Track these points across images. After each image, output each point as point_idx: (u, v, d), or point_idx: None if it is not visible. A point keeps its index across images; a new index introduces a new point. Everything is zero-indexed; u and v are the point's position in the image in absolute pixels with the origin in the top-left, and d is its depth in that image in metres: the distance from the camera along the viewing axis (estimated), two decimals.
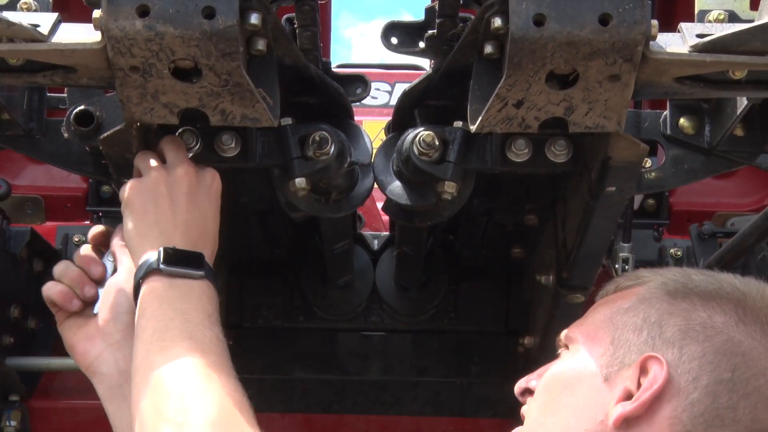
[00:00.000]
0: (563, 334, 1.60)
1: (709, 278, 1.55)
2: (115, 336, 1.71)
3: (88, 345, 1.71)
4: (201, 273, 1.58)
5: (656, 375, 1.40)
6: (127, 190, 1.65)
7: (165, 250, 1.57)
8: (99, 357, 1.71)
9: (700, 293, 1.51)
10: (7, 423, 2.83)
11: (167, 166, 1.66)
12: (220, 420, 1.37)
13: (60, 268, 1.76)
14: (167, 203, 1.62)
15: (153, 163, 1.66)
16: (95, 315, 1.74)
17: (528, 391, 1.61)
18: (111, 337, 1.71)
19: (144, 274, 1.57)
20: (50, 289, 1.74)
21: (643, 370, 1.42)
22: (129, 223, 1.64)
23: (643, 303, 1.51)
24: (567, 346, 1.58)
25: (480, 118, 1.48)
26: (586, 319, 1.59)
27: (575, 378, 1.50)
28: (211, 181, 1.69)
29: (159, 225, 1.61)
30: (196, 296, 1.55)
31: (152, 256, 1.57)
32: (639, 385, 1.41)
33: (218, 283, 1.62)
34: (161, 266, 1.56)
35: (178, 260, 1.57)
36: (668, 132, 2.00)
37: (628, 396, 1.42)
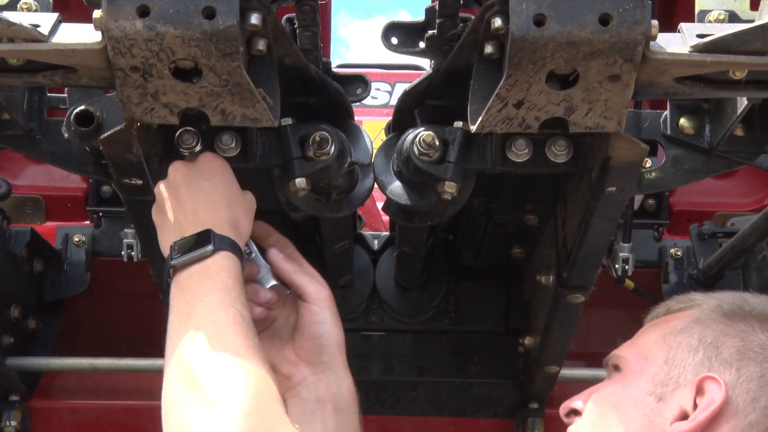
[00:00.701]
0: (612, 355, 1.60)
1: (766, 301, 1.55)
2: (320, 365, 1.74)
3: (293, 369, 1.73)
4: (210, 248, 1.55)
5: (714, 395, 1.40)
6: (153, 215, 1.70)
7: (171, 246, 1.58)
8: (303, 382, 1.72)
9: (757, 315, 1.51)
10: (7, 423, 2.84)
11: (168, 173, 1.69)
12: (251, 409, 1.34)
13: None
14: (172, 203, 1.64)
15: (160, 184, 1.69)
16: (289, 336, 1.77)
17: (574, 412, 1.60)
18: (317, 367, 1.74)
19: (167, 275, 1.59)
20: None
21: (699, 391, 1.42)
22: (159, 237, 1.67)
23: (698, 324, 1.51)
24: (616, 367, 1.58)
25: (480, 118, 1.48)
26: (635, 340, 1.59)
27: (628, 398, 1.49)
28: (204, 163, 1.68)
29: (172, 226, 1.63)
30: (214, 273, 1.53)
31: (167, 255, 1.59)
32: (695, 405, 1.41)
33: (237, 247, 1.59)
34: (172, 262, 1.57)
35: (186, 248, 1.57)
36: (668, 132, 2.00)
37: (684, 416, 1.42)
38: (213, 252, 1.55)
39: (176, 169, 1.68)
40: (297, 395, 1.69)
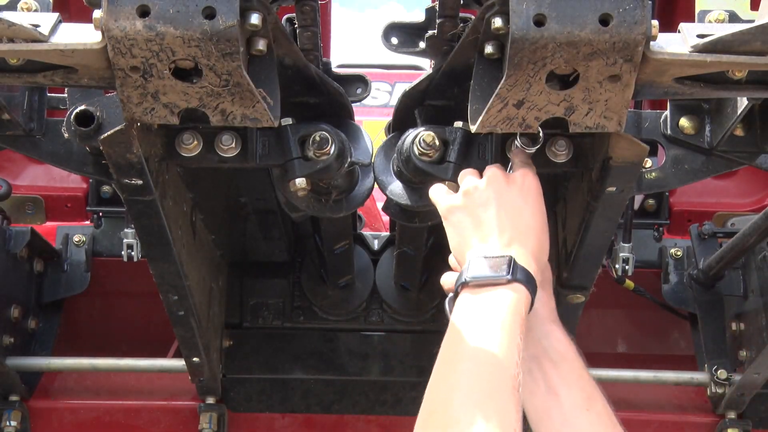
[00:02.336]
0: None
1: None
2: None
3: None
4: (507, 277, 1.50)
5: None
6: (443, 208, 1.66)
7: (472, 260, 1.54)
8: None
9: None
10: (7, 423, 2.84)
11: (475, 182, 1.66)
12: None
13: None
14: (479, 212, 1.60)
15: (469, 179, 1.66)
16: None
17: None
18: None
19: (457, 287, 1.54)
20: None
21: None
22: (451, 241, 1.64)
23: None
24: None
25: (480, 118, 1.48)
26: None
27: None
28: (522, 179, 1.64)
29: (473, 235, 1.59)
30: (499, 304, 1.48)
31: (464, 267, 1.55)
32: None
33: (531, 281, 1.53)
34: (466, 278, 1.52)
35: (483, 268, 1.52)
36: (668, 132, 2.00)
37: None
38: (508, 282, 1.50)
39: (495, 175, 1.63)
40: None
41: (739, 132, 1.94)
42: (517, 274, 1.51)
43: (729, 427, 2.87)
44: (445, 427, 1.35)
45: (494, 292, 1.49)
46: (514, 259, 1.52)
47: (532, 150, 1.68)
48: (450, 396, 1.38)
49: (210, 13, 1.36)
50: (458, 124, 1.75)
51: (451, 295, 1.58)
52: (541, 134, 1.66)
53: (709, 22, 1.64)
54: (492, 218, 1.59)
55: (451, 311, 1.55)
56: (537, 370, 1.62)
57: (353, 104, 1.94)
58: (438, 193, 1.70)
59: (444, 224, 1.67)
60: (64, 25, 1.45)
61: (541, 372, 1.63)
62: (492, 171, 1.65)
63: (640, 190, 2.02)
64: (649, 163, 1.97)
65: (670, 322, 3.20)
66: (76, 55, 1.42)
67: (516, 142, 1.69)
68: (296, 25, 1.84)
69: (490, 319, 1.47)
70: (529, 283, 1.52)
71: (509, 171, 1.68)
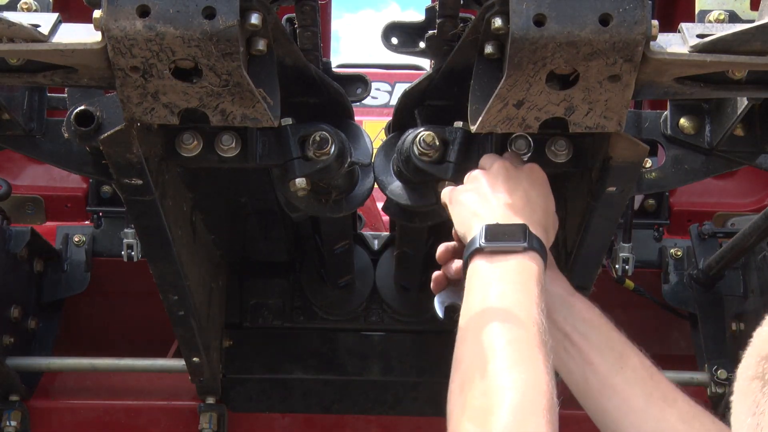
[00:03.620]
0: None
1: None
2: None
3: None
4: (524, 245, 1.50)
5: None
6: (450, 192, 1.67)
7: (486, 227, 1.52)
8: None
9: None
10: (7, 423, 2.84)
11: (486, 164, 1.68)
12: (509, 425, 1.30)
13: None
14: (487, 190, 1.61)
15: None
16: None
17: None
18: None
19: (470, 253, 1.53)
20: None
21: None
22: (456, 216, 1.64)
23: None
24: None
25: (480, 118, 1.48)
26: None
27: None
28: (530, 170, 1.66)
29: (481, 208, 1.59)
30: (518, 271, 1.48)
31: (476, 234, 1.53)
32: None
33: (545, 252, 1.54)
34: (482, 243, 1.51)
35: (499, 235, 1.51)
36: (668, 132, 2.00)
37: None
38: (524, 249, 1.50)
39: (500, 164, 1.65)
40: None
41: (739, 132, 1.94)
42: (533, 242, 1.51)
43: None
44: (485, 394, 1.34)
45: (513, 261, 1.49)
46: (528, 228, 1.52)
47: (526, 156, 1.69)
48: (484, 363, 1.37)
49: (210, 13, 1.36)
50: (458, 124, 1.75)
51: (457, 262, 1.57)
52: (532, 142, 1.68)
53: (709, 22, 1.64)
54: (500, 193, 1.60)
55: (463, 277, 1.54)
56: (570, 346, 1.63)
57: (353, 104, 1.94)
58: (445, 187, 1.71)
59: (449, 208, 1.67)
60: (64, 25, 1.45)
61: (574, 347, 1.64)
62: (500, 160, 1.66)
63: (640, 190, 2.02)
64: (649, 163, 1.97)
65: (670, 322, 3.20)
66: (76, 55, 1.42)
67: (510, 149, 1.70)
68: (296, 25, 1.84)
69: (514, 287, 1.46)
70: (543, 253, 1.52)
71: None
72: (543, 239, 1.55)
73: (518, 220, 1.54)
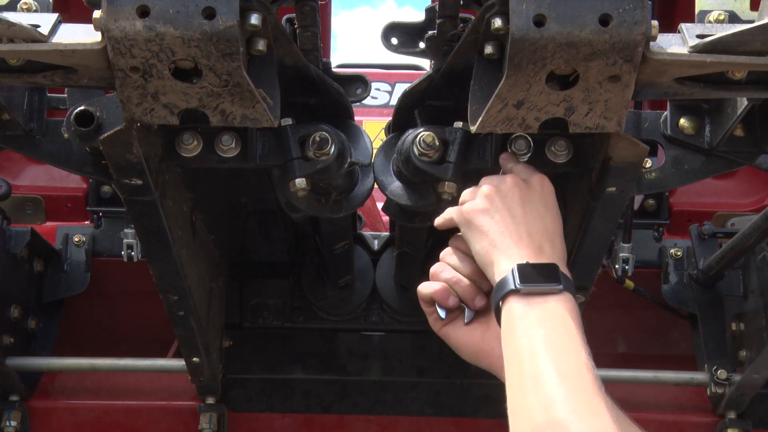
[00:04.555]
0: None
1: None
2: None
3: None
4: (559, 287, 1.50)
5: None
6: (462, 212, 1.64)
7: (519, 267, 1.51)
8: None
9: None
10: (7, 423, 2.84)
11: (495, 182, 1.65)
12: None
13: (442, 271, 1.69)
14: (504, 215, 1.59)
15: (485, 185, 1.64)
16: (490, 318, 1.65)
17: None
18: None
19: (504, 294, 1.51)
20: (429, 287, 1.69)
21: None
22: (474, 243, 1.61)
23: None
24: None
25: (480, 119, 1.48)
26: None
27: None
28: (540, 185, 1.64)
29: (501, 239, 1.57)
30: (558, 314, 1.48)
31: (507, 274, 1.52)
32: None
33: (573, 290, 1.52)
34: (518, 286, 1.49)
35: (533, 276, 1.50)
36: (668, 132, 2.00)
37: None
38: (560, 291, 1.50)
39: (512, 182, 1.62)
40: None
41: (739, 132, 1.94)
42: (567, 283, 1.51)
43: (729, 427, 2.87)
44: None
45: (552, 303, 1.48)
46: (559, 267, 1.52)
47: (525, 157, 1.69)
48: (552, 415, 1.35)
49: (210, 14, 1.36)
50: (458, 124, 1.75)
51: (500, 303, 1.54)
52: (532, 143, 1.68)
53: (709, 22, 1.64)
54: (519, 221, 1.58)
55: (498, 318, 1.53)
56: None
57: (353, 104, 1.94)
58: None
59: (464, 229, 1.64)
60: (64, 26, 1.45)
61: None
62: (511, 177, 1.64)
63: (640, 190, 2.02)
64: (649, 163, 1.97)
65: (670, 322, 3.20)
66: (76, 56, 1.42)
67: (510, 149, 1.70)
68: (296, 26, 1.84)
69: (559, 332, 1.45)
70: (574, 291, 1.52)
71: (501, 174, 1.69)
72: (568, 272, 1.54)
73: (546, 259, 1.53)
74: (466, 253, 1.66)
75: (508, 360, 1.49)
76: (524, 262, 1.53)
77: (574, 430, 1.32)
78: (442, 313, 1.68)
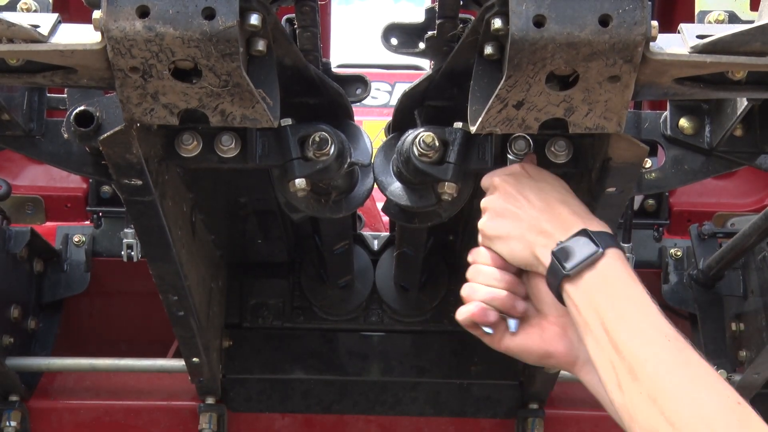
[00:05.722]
0: None
1: None
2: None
3: (565, 342, 1.61)
4: (599, 249, 1.46)
5: None
6: (484, 233, 1.63)
7: (554, 253, 1.49)
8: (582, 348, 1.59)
9: None
10: (7, 423, 2.84)
11: (490, 201, 1.65)
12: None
13: (474, 291, 1.64)
14: (521, 212, 1.58)
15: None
16: (542, 319, 1.63)
17: None
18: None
19: (557, 286, 1.50)
20: (465, 312, 1.64)
21: None
22: (508, 253, 1.59)
23: None
24: None
25: (480, 119, 1.48)
26: None
27: None
28: (533, 172, 1.63)
29: (531, 234, 1.55)
30: (614, 279, 1.45)
31: (550, 265, 1.49)
32: None
33: (615, 239, 1.50)
34: (565, 272, 1.46)
35: (571, 254, 1.47)
36: (668, 132, 2.00)
37: None
38: (602, 253, 1.46)
39: (500, 183, 1.62)
40: (587, 361, 1.57)
41: (738, 132, 1.94)
42: (602, 238, 1.47)
43: None
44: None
45: (602, 267, 1.46)
46: (588, 230, 1.49)
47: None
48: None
49: (210, 14, 1.36)
50: (458, 124, 1.75)
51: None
52: (532, 143, 1.68)
53: (709, 22, 1.64)
54: (533, 212, 1.56)
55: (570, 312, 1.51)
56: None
57: (353, 104, 1.94)
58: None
59: (493, 247, 1.62)
60: (63, 26, 1.45)
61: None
62: (500, 181, 1.63)
63: (640, 190, 2.02)
64: (648, 163, 1.97)
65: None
66: (76, 56, 1.42)
67: (510, 155, 1.70)
68: (296, 26, 1.84)
69: (624, 303, 1.43)
70: (615, 242, 1.49)
71: None
72: (605, 227, 1.51)
73: (574, 229, 1.50)
74: (491, 266, 1.64)
75: (594, 356, 1.45)
76: (556, 245, 1.50)
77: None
78: (488, 330, 1.67)
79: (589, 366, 1.53)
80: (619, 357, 1.39)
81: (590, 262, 1.46)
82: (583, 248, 1.47)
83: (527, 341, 1.64)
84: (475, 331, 1.66)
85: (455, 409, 2.89)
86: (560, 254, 1.49)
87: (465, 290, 1.64)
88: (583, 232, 1.49)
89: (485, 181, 1.68)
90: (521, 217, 1.57)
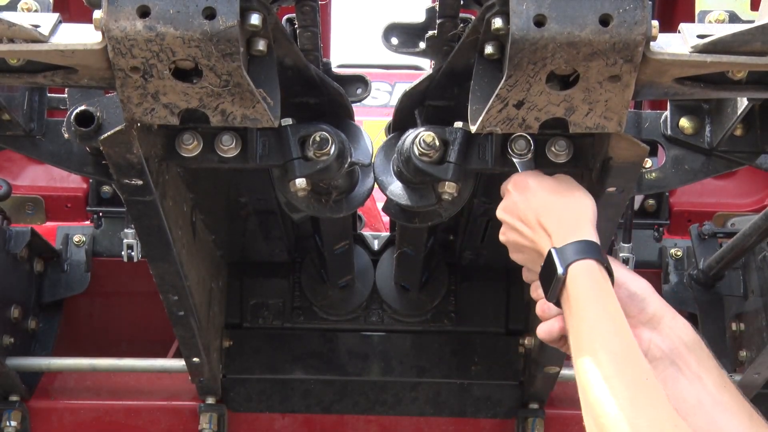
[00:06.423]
0: None
1: None
2: (651, 320, 1.70)
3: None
4: (560, 270, 1.53)
5: None
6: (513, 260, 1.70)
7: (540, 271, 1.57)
8: (650, 345, 1.66)
9: None
10: (7, 423, 2.84)
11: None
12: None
13: (546, 309, 1.67)
14: (518, 235, 1.64)
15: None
16: None
17: None
18: (650, 323, 1.69)
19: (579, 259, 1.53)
20: (547, 328, 1.66)
21: None
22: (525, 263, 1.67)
23: None
24: None
25: (480, 119, 1.48)
26: None
27: None
28: (517, 179, 1.67)
29: (530, 253, 1.62)
30: (587, 291, 1.52)
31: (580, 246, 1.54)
32: None
33: (589, 251, 1.55)
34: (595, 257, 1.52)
35: (545, 275, 1.56)
36: (669, 132, 2.00)
37: None
38: (563, 276, 1.52)
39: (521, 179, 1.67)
40: (652, 360, 1.64)
41: (739, 132, 1.94)
42: (569, 254, 1.52)
43: None
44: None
45: (568, 288, 1.52)
46: (552, 250, 1.54)
47: (526, 157, 1.69)
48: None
49: (210, 14, 1.36)
50: (458, 124, 1.75)
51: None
52: (532, 143, 1.69)
53: (709, 22, 1.64)
54: (532, 232, 1.61)
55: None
56: (679, 360, 1.64)
57: (353, 104, 1.94)
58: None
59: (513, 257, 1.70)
60: (64, 26, 1.45)
61: (683, 362, 1.65)
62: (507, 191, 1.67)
63: (640, 190, 2.02)
64: (649, 163, 1.97)
65: None
66: (77, 56, 1.42)
67: (512, 156, 1.70)
68: (296, 26, 1.84)
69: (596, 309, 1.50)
70: (587, 254, 1.52)
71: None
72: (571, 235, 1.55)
73: (546, 248, 1.55)
74: None
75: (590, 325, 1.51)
76: (540, 268, 1.57)
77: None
78: None
79: (652, 365, 1.58)
80: (578, 380, 1.46)
81: (555, 287, 1.53)
82: (550, 273, 1.54)
83: None
84: (558, 344, 1.69)
85: (455, 409, 2.90)
86: (542, 277, 1.56)
87: (539, 309, 1.67)
88: (549, 255, 1.54)
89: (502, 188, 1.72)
90: (521, 233, 1.63)
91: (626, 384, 1.41)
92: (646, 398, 1.40)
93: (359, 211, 2.67)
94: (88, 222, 3.19)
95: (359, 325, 2.82)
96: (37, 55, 1.44)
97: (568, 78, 1.42)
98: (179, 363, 2.68)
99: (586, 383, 1.44)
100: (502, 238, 1.69)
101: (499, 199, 2.14)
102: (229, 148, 1.74)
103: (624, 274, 1.68)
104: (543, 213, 1.59)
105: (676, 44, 1.42)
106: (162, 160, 1.76)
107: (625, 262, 2.80)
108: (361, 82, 1.98)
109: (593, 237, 1.55)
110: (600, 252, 1.54)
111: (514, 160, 1.71)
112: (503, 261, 2.68)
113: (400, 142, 1.81)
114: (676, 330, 1.68)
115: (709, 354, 1.68)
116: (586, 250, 1.53)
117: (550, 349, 2.46)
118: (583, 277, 1.51)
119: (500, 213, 1.68)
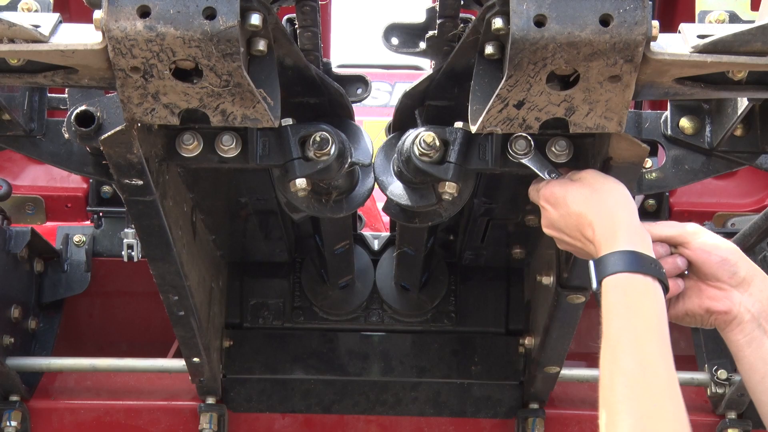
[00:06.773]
0: None
1: None
2: (742, 283, 1.69)
3: (726, 302, 1.69)
4: (594, 285, 1.58)
5: None
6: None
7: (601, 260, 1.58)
8: (741, 306, 1.68)
9: None
10: (7, 423, 2.84)
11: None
12: None
13: None
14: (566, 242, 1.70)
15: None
16: (698, 279, 1.72)
17: None
18: (741, 286, 1.69)
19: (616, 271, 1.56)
20: None
21: None
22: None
23: None
24: None
25: (481, 119, 1.48)
26: None
27: None
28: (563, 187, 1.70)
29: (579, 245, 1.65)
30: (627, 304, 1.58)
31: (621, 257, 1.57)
32: None
33: (627, 262, 1.57)
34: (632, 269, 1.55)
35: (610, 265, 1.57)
36: (669, 132, 2.00)
37: None
38: (599, 289, 1.57)
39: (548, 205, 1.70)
40: (741, 322, 1.68)
41: (739, 132, 1.94)
42: (605, 267, 1.55)
43: (729, 427, 2.87)
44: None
45: (604, 296, 1.57)
46: (592, 263, 1.58)
47: (528, 156, 1.69)
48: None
49: (210, 14, 1.36)
50: (458, 124, 1.75)
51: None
52: (533, 143, 1.69)
53: (710, 22, 1.64)
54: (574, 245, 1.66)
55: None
56: (766, 323, 1.66)
57: (353, 104, 1.94)
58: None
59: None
60: (64, 26, 1.45)
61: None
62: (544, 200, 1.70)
63: (641, 190, 2.03)
64: (649, 163, 1.97)
65: (670, 322, 3.20)
66: (77, 56, 1.42)
67: (516, 157, 1.70)
68: (296, 26, 1.84)
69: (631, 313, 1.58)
70: (625, 266, 1.54)
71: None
72: (632, 241, 1.57)
73: (594, 251, 1.59)
74: None
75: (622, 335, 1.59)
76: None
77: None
78: None
79: (741, 327, 1.66)
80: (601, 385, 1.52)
81: (597, 299, 1.57)
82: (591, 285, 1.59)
83: (688, 305, 1.74)
84: None
85: (455, 409, 2.90)
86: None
87: None
88: (588, 268, 1.59)
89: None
90: (573, 245, 1.68)
91: (631, 412, 1.46)
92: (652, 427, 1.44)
93: (359, 211, 2.67)
94: (88, 222, 3.19)
95: (359, 325, 2.82)
96: (37, 55, 1.44)
97: (568, 78, 1.42)
98: (179, 363, 2.68)
99: (600, 406, 1.48)
100: (559, 245, 1.73)
101: (500, 199, 2.15)
102: (229, 148, 1.74)
103: (714, 239, 1.70)
104: (582, 226, 1.62)
105: (676, 44, 1.42)
106: (162, 160, 1.76)
107: None
108: (362, 82, 1.98)
109: (629, 243, 1.56)
110: (637, 260, 1.55)
111: (522, 160, 1.70)
112: (503, 261, 2.70)
113: (400, 142, 1.81)
114: (766, 292, 1.68)
115: None
116: (618, 263, 1.55)
117: (550, 349, 2.46)
118: (610, 293, 1.55)
119: (546, 230, 1.72)
